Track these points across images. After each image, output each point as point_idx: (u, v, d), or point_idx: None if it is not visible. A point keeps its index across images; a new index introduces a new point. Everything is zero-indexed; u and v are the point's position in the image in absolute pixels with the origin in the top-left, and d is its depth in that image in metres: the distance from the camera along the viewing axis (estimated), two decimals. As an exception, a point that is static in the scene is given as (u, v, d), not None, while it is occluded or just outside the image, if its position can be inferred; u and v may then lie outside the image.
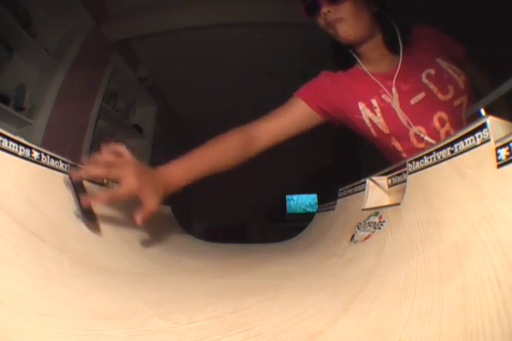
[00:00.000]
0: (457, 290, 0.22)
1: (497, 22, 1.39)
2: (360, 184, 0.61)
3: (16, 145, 0.40)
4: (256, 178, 3.90)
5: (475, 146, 0.31)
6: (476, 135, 0.31)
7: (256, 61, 2.57)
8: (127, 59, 2.27)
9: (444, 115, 0.64)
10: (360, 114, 0.69)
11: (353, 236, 0.51)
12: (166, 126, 3.02)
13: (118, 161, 0.47)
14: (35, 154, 0.43)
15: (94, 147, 1.98)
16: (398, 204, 0.43)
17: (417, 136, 0.65)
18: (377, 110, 0.67)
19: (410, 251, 0.33)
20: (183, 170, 0.57)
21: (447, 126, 0.64)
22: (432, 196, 0.36)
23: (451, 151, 0.34)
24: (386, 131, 0.68)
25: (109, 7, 1.97)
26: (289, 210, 3.59)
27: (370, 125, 0.69)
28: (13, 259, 0.28)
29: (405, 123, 0.65)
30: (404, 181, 0.45)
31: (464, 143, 0.32)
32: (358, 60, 0.71)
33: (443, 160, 0.36)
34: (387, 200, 0.56)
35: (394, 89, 0.66)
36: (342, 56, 0.73)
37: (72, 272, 0.34)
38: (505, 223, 0.24)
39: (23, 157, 0.41)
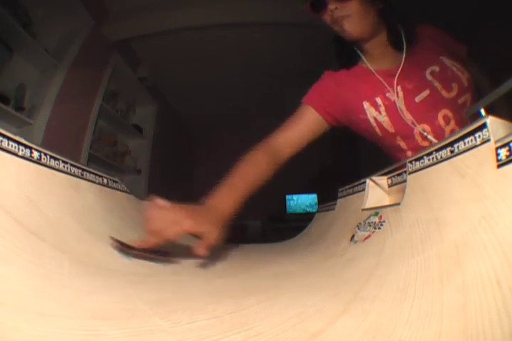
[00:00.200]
0: (457, 290, 0.22)
1: (497, 22, 1.39)
2: (360, 184, 0.61)
3: (16, 145, 0.40)
4: (256, 178, 3.90)
5: (475, 146, 0.31)
6: (476, 135, 0.31)
7: (256, 61, 2.57)
8: (127, 59, 2.27)
9: (448, 113, 0.64)
10: (365, 114, 0.69)
11: (353, 236, 0.51)
12: (166, 126, 3.02)
13: (166, 216, 0.46)
14: (35, 154, 0.43)
15: (94, 147, 1.98)
16: (398, 204, 0.43)
17: (421, 134, 0.65)
18: (382, 109, 0.67)
19: (410, 251, 0.33)
20: (230, 196, 0.58)
21: (452, 124, 0.64)
22: (432, 196, 0.36)
23: (451, 151, 0.34)
24: (391, 129, 0.68)
25: (109, 7, 1.97)
26: (289, 210, 3.59)
27: (375, 124, 0.69)
28: (13, 259, 0.28)
29: (410, 122, 0.65)
30: (404, 181, 0.45)
31: (464, 143, 0.32)
32: (363, 57, 0.71)
33: (443, 160, 0.36)
34: (387, 200, 0.56)
35: (399, 88, 0.66)
36: (346, 53, 0.73)
37: (72, 272, 0.34)
38: (505, 223, 0.24)
39: (23, 157, 0.41)
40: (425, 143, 0.65)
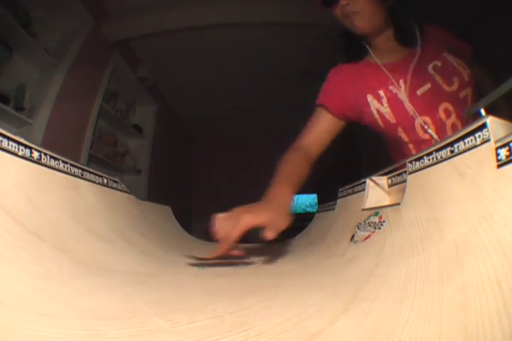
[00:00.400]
0: (457, 290, 0.22)
1: (497, 22, 1.39)
2: (360, 184, 0.61)
3: (16, 145, 0.40)
4: (256, 178, 3.90)
5: (475, 146, 0.31)
6: (476, 135, 0.31)
7: (256, 61, 2.57)
8: (127, 59, 2.27)
9: (449, 106, 0.66)
10: (369, 106, 0.71)
11: (353, 236, 0.51)
12: (166, 126, 3.02)
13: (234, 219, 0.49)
14: (35, 154, 0.43)
15: (94, 147, 1.98)
16: (398, 204, 0.43)
17: (422, 126, 0.67)
18: (384, 100, 0.69)
19: (410, 250, 0.33)
20: (283, 188, 0.60)
21: (453, 118, 0.66)
22: (431, 196, 0.36)
23: (451, 151, 0.34)
24: (393, 120, 0.70)
25: (108, 7, 1.97)
26: (289, 210, 3.58)
27: (377, 116, 0.71)
28: (14, 259, 0.28)
29: (411, 113, 0.67)
30: (404, 181, 0.45)
31: (464, 143, 0.32)
32: (370, 51, 0.74)
33: (443, 160, 0.36)
34: (387, 200, 0.56)
35: (401, 81, 0.68)
36: (354, 47, 0.76)
37: (73, 272, 0.34)
38: (505, 223, 0.24)
39: (23, 157, 0.41)
40: (426, 136, 0.67)
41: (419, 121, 0.66)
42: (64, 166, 0.50)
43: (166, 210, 1.04)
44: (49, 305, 0.24)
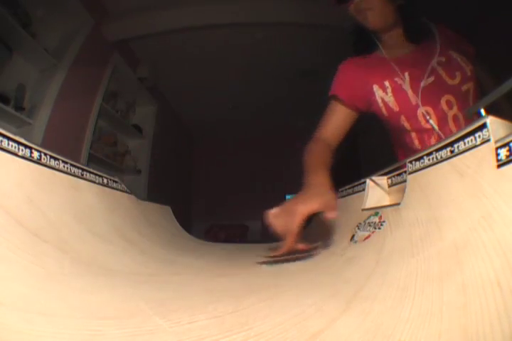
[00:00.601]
0: (457, 290, 0.22)
1: (497, 22, 1.39)
2: (360, 184, 0.61)
3: (16, 145, 0.40)
4: (256, 178, 3.90)
5: (475, 146, 0.31)
6: (476, 135, 0.31)
7: (256, 61, 2.57)
8: (127, 59, 2.27)
9: (451, 98, 0.69)
10: (374, 95, 0.75)
11: (353, 236, 0.51)
12: (166, 126, 3.02)
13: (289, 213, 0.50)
14: (35, 154, 0.43)
15: (94, 147, 1.98)
16: (398, 204, 0.43)
17: (424, 116, 0.70)
18: (389, 90, 0.73)
19: (410, 250, 0.33)
20: (319, 174, 0.62)
21: (455, 110, 0.69)
22: (431, 196, 0.36)
23: (451, 151, 0.34)
24: (396, 108, 0.73)
25: (108, 7, 1.97)
26: (289, 210, 3.58)
27: (381, 104, 0.75)
28: (14, 259, 0.28)
29: (414, 103, 0.70)
30: (404, 181, 0.45)
31: (464, 143, 0.32)
32: (380, 46, 0.78)
33: (443, 160, 0.36)
34: (387, 200, 0.56)
35: (406, 73, 0.72)
36: (364, 41, 0.80)
37: (73, 272, 0.34)
38: (505, 222, 0.24)
39: (23, 157, 0.41)
40: (428, 126, 0.70)
41: (421, 110, 0.70)
42: (64, 166, 0.50)
43: (166, 210, 1.04)
44: (49, 305, 0.24)
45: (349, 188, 0.68)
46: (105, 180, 0.64)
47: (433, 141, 0.70)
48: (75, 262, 0.36)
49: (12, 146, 0.39)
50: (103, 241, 0.48)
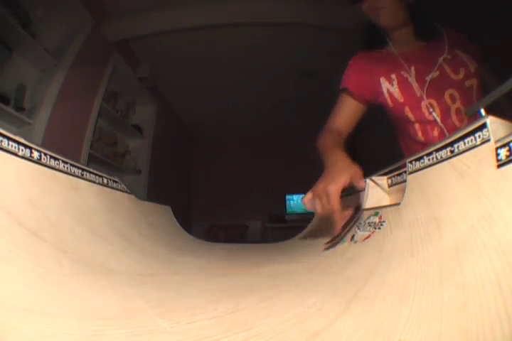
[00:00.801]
0: (457, 290, 0.22)
1: (497, 22, 1.39)
2: (360, 184, 0.61)
3: (16, 145, 0.40)
4: (256, 178, 3.90)
5: (475, 146, 0.31)
6: (476, 135, 0.31)
7: (256, 61, 2.57)
8: (127, 59, 2.27)
9: (455, 92, 0.72)
10: (381, 87, 0.78)
11: (353, 236, 0.51)
12: (166, 126, 3.02)
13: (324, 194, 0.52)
14: (35, 154, 0.43)
15: (94, 147, 1.98)
16: (398, 204, 0.43)
17: (428, 108, 0.73)
18: (395, 82, 0.77)
19: (410, 250, 0.33)
20: (336, 151, 0.66)
21: (458, 104, 0.72)
22: (431, 196, 0.36)
23: (451, 151, 0.34)
24: (400, 99, 0.76)
25: (109, 7, 1.97)
26: (289, 210, 3.59)
27: (387, 95, 0.78)
28: (14, 259, 0.28)
29: (419, 95, 0.74)
30: (404, 181, 0.45)
31: (464, 143, 0.32)
32: (389, 42, 0.81)
33: (443, 160, 0.36)
34: (387, 200, 0.56)
35: (412, 68, 0.75)
36: (375, 38, 0.84)
37: (73, 272, 0.34)
38: (505, 223, 0.24)
39: (23, 157, 0.41)
40: (431, 117, 0.73)
41: (425, 102, 0.73)
42: (64, 166, 0.50)
43: (166, 210, 1.04)
44: (49, 305, 0.24)
45: (349, 188, 0.67)
46: (105, 180, 0.64)
47: (436, 132, 0.73)
48: (74, 262, 0.36)
49: (12, 146, 0.39)
50: (103, 241, 0.48)
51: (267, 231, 3.51)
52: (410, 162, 0.43)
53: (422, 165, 0.40)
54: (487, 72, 0.80)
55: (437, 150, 0.37)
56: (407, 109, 0.76)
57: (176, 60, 2.50)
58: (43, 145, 0.45)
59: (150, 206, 0.88)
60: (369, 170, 0.62)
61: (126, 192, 0.73)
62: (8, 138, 0.39)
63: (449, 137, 0.35)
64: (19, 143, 0.40)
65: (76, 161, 0.54)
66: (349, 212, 0.55)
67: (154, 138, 2.72)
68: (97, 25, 1.87)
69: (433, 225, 0.32)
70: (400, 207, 0.42)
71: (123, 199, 0.70)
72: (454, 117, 0.71)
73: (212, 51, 2.42)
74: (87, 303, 0.26)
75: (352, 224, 0.54)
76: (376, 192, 0.57)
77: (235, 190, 3.91)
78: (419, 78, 0.74)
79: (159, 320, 0.23)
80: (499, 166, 0.27)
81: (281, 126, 3.75)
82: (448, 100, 0.72)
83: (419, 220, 0.35)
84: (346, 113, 0.82)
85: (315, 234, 0.78)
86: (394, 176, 0.55)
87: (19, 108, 1.43)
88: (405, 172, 0.45)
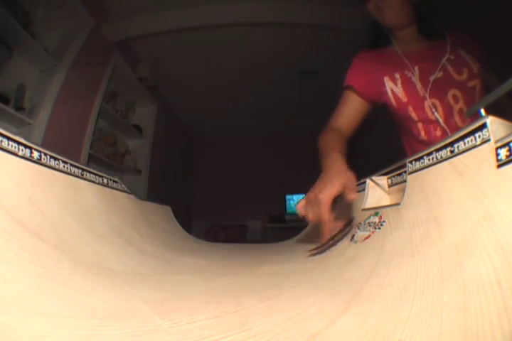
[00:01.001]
0: (457, 290, 0.22)
1: (497, 22, 1.39)
2: (360, 184, 0.61)
3: (16, 145, 0.40)
4: (256, 178, 3.90)
5: (475, 146, 0.31)
6: (476, 135, 0.31)
7: (256, 61, 2.57)
8: (127, 59, 2.27)
9: (458, 93, 0.72)
10: (385, 86, 0.79)
11: (353, 236, 0.51)
12: (166, 126, 3.02)
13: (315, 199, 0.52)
14: (35, 154, 0.43)
15: (94, 147, 1.98)
16: (398, 204, 0.43)
17: (431, 108, 0.73)
18: (399, 82, 0.77)
19: (410, 250, 0.33)
20: (335, 156, 0.63)
21: (461, 104, 0.72)
22: (431, 196, 0.36)
23: (451, 151, 0.34)
24: (404, 99, 0.76)
25: (109, 7, 1.97)
26: (289, 210, 3.59)
27: (391, 95, 0.78)
28: (14, 259, 0.28)
29: (422, 94, 0.74)
30: (404, 181, 0.45)
31: (464, 143, 0.32)
32: (394, 42, 0.82)
33: (443, 160, 0.36)
34: (387, 200, 0.56)
35: (416, 67, 0.75)
36: (380, 37, 0.84)
37: (73, 272, 0.34)
38: (505, 223, 0.24)
39: (23, 157, 0.41)
40: (433, 117, 0.73)
41: (428, 102, 0.73)
42: (64, 166, 0.50)
43: (166, 210, 1.04)
44: (49, 305, 0.24)
45: (349, 188, 0.67)
46: (105, 180, 0.64)
47: (438, 132, 0.73)
48: (74, 262, 0.36)
49: (12, 146, 0.39)
50: (103, 241, 0.48)
51: (266, 231, 3.51)
52: (410, 162, 0.43)
53: (422, 165, 0.40)
54: (490, 73, 0.80)
55: (437, 150, 0.37)
56: (410, 108, 0.76)
57: (176, 60, 2.50)
58: (43, 145, 0.45)
59: (150, 206, 0.88)
60: (369, 170, 0.62)
61: (126, 192, 0.73)
62: (8, 138, 0.39)
63: (449, 137, 0.35)
64: (19, 143, 0.40)
65: (76, 161, 0.54)
66: (340, 224, 0.53)
67: (154, 138, 2.72)
68: (97, 25, 1.87)
69: (433, 225, 0.32)
70: (399, 207, 0.42)
71: (123, 199, 0.70)
72: (456, 117, 0.71)
73: (212, 51, 2.42)
74: (87, 303, 0.26)
75: (340, 236, 0.53)
76: (376, 192, 0.57)
77: (235, 189, 3.91)
78: (423, 78, 0.74)
79: (159, 320, 0.23)
80: (499, 166, 0.27)
81: (281, 126, 3.75)
82: (451, 100, 0.72)
83: (420, 220, 0.35)
84: (350, 110, 0.82)
85: (309, 240, 0.78)
86: (394, 176, 0.55)
87: (19, 108, 1.43)
88: (405, 172, 0.45)
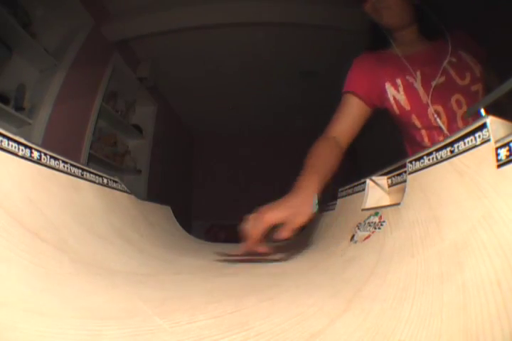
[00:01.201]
0: (457, 290, 0.22)
1: (497, 21, 1.39)
2: (360, 184, 0.61)
3: (16, 145, 0.40)
4: (256, 178, 3.90)
5: (475, 146, 0.31)
6: (476, 135, 0.31)
7: (256, 61, 2.57)
8: (127, 59, 2.27)
9: (461, 98, 0.71)
10: (386, 93, 0.77)
11: (353, 236, 0.51)
12: (166, 126, 3.02)
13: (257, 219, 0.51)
14: (35, 154, 0.43)
15: (94, 147, 1.98)
16: (398, 204, 0.43)
17: (433, 115, 0.71)
18: (401, 88, 0.75)
19: (410, 250, 0.33)
20: (311, 179, 0.60)
21: (464, 109, 0.70)
22: (431, 196, 0.36)
23: (451, 151, 0.34)
24: (407, 107, 0.75)
25: (109, 7, 1.97)
26: (289, 210, 3.58)
27: (393, 102, 0.76)
28: (14, 259, 0.28)
29: (425, 102, 0.72)
30: (404, 181, 0.45)
31: (464, 143, 0.32)
32: (393, 43, 0.79)
33: (443, 160, 0.36)
34: (387, 200, 0.56)
35: (418, 72, 0.73)
36: (378, 38, 0.81)
37: (73, 272, 0.34)
38: (505, 223, 0.24)
39: (23, 157, 0.41)
40: (437, 124, 0.72)
41: (431, 110, 0.71)
42: (64, 166, 0.50)
43: (166, 210, 1.04)
44: (49, 305, 0.24)
45: (349, 188, 0.68)
46: (105, 180, 0.64)
47: (442, 138, 0.71)
48: (75, 262, 0.36)
49: (12, 146, 0.39)
50: (103, 241, 0.48)
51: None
52: (410, 162, 0.43)
53: (422, 165, 0.40)
54: (490, 73, 0.79)
55: (437, 150, 0.37)
56: (413, 116, 0.74)
57: (176, 60, 2.50)
58: (43, 145, 0.45)
59: (150, 206, 0.88)
60: (369, 170, 0.62)
61: (126, 192, 0.73)
62: (8, 138, 0.39)
63: (449, 137, 0.35)
64: (19, 143, 0.40)
65: (76, 161, 0.54)
66: (262, 249, 0.51)
67: (154, 138, 2.72)
68: (97, 25, 1.87)
69: (433, 225, 0.32)
70: (399, 207, 0.42)
71: (123, 199, 0.70)
72: (459, 123, 0.70)
73: (212, 51, 2.42)
74: (87, 303, 0.26)
75: (255, 259, 0.52)
76: (376, 192, 0.57)
77: (235, 189, 3.91)
78: (425, 83, 0.72)
79: (159, 320, 0.23)
80: (499, 166, 0.27)
81: (281, 126, 3.75)
82: (454, 106, 0.71)
83: (419, 220, 0.35)
84: (351, 115, 0.78)
85: (309, 240, 0.78)
86: (394, 176, 0.55)
87: (19, 108, 1.43)
88: (405, 172, 0.45)
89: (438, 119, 0.70)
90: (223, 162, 4.05)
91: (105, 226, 0.54)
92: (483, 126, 0.30)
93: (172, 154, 3.30)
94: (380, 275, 0.32)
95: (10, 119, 1.38)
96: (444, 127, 0.69)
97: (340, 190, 0.74)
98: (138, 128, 2.59)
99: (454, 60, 0.72)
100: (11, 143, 0.39)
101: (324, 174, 0.62)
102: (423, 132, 0.74)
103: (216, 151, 4.12)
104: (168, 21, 2.01)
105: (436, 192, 0.35)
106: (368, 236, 0.45)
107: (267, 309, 0.27)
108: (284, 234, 0.49)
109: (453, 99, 0.71)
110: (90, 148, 1.86)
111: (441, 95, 0.71)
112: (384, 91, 0.77)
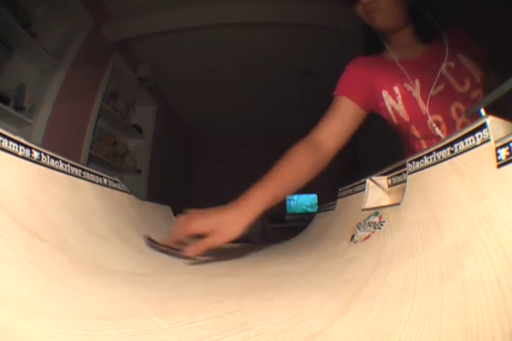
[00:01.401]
0: (457, 290, 0.22)
1: (496, 22, 1.39)
2: (360, 184, 0.61)
3: (16, 145, 0.40)
4: (256, 178, 3.90)
5: (475, 146, 0.31)
6: (476, 135, 0.31)
7: (256, 61, 2.57)
8: (127, 59, 2.27)
9: (461, 106, 0.68)
10: (384, 102, 0.73)
11: (353, 236, 0.51)
12: (166, 126, 3.02)
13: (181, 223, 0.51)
14: (35, 154, 0.43)
15: (94, 147, 1.98)
16: (398, 204, 0.43)
17: (433, 125, 0.69)
18: (399, 97, 0.71)
19: (410, 250, 0.33)
20: (260, 196, 0.56)
21: (464, 117, 0.68)
22: (431, 196, 0.36)
23: (451, 151, 0.34)
24: (406, 119, 0.72)
25: (109, 7, 1.97)
26: (289, 210, 3.59)
27: (391, 112, 0.73)
28: (13, 259, 0.28)
29: (424, 112, 0.69)
30: (404, 181, 0.45)
31: (464, 143, 0.32)
32: (387, 47, 0.76)
33: (443, 160, 0.36)
34: (387, 200, 0.56)
35: (417, 80, 0.70)
36: (373, 42, 0.78)
37: (73, 272, 0.34)
38: (505, 223, 0.24)
39: (23, 157, 0.41)
40: (436, 133, 0.70)
41: (431, 120, 0.69)
42: (64, 166, 0.50)
43: (166, 210, 1.04)
44: (49, 305, 0.24)
45: (349, 188, 0.68)
46: (105, 180, 0.64)
47: None
48: (74, 262, 0.36)
49: (12, 146, 0.39)
50: (103, 240, 0.48)
51: (266, 231, 3.51)
52: (410, 162, 0.43)
53: (422, 165, 0.40)
54: (490, 73, 0.77)
55: (437, 150, 0.37)
56: (413, 127, 0.72)
57: (176, 60, 2.51)
58: (43, 145, 0.45)
59: (150, 206, 0.88)
60: (369, 170, 0.62)
61: (126, 192, 0.73)
62: (8, 138, 0.39)
63: (448, 137, 0.35)
64: (19, 143, 0.40)
65: (76, 161, 0.54)
66: (190, 253, 0.48)
67: (154, 138, 2.72)
68: (97, 25, 1.87)
69: (433, 225, 0.32)
70: (399, 207, 0.42)
71: (123, 199, 0.70)
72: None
73: (212, 51, 2.42)
74: (87, 303, 0.26)
75: (170, 252, 0.52)
76: (376, 192, 0.57)
77: (235, 189, 3.90)
78: (424, 92, 0.69)
79: (159, 320, 0.23)
80: (499, 166, 0.27)
81: (281, 125, 3.76)
82: (454, 114, 0.68)
83: (420, 220, 0.35)
84: (340, 119, 0.72)
85: (309, 240, 0.78)
86: (394, 176, 0.55)
87: (19, 108, 1.44)
88: (405, 172, 0.45)
89: (437, 129, 0.68)
90: (223, 162, 4.05)
91: (105, 226, 0.54)
92: (483, 126, 0.30)
93: (172, 154, 3.30)
94: (380, 275, 0.32)
95: (10, 119, 1.38)
96: (443, 136, 0.67)
97: (340, 190, 0.74)
98: (138, 128, 2.59)
99: (452, 64, 0.69)
100: (11, 143, 0.39)
101: (282, 189, 0.57)
102: (422, 142, 0.73)
103: (216, 151, 4.12)
104: (167, 21, 2.02)
105: (436, 192, 0.35)
106: (368, 236, 0.45)
107: (266, 309, 0.27)
108: (191, 251, 0.46)
109: (453, 108, 0.68)
110: (90, 148, 1.86)
111: (440, 104, 0.68)
112: (380, 100, 0.73)
